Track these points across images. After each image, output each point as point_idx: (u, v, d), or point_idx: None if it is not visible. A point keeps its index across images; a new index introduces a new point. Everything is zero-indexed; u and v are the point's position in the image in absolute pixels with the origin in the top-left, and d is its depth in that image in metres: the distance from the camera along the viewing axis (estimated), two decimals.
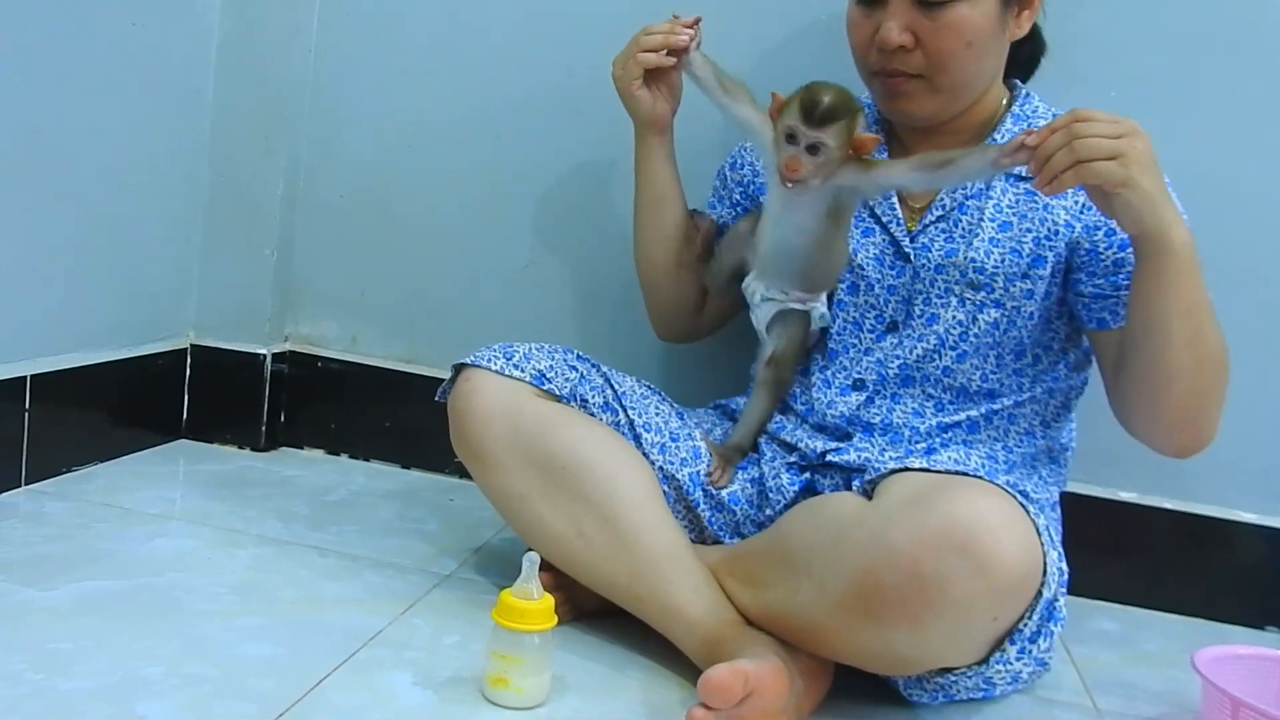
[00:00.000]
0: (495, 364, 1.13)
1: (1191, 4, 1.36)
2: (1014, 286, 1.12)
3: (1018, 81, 1.20)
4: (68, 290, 1.37)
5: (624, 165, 1.52)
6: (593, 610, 1.10)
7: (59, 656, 0.91)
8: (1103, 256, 1.10)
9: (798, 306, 1.16)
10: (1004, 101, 1.17)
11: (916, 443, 1.13)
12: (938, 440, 1.13)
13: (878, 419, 1.15)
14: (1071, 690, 1.16)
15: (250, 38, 1.56)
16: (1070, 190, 1.10)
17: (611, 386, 1.19)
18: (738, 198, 1.29)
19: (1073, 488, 1.43)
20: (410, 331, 1.62)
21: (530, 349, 1.16)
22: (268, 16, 1.56)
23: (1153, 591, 1.45)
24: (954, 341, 1.13)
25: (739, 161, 1.30)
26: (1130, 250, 1.06)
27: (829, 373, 1.17)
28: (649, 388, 1.24)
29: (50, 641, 0.94)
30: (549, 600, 0.93)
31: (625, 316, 1.49)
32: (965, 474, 0.92)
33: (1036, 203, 1.12)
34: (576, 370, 1.17)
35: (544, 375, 1.14)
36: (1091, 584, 1.40)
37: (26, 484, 1.31)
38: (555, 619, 0.94)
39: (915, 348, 1.14)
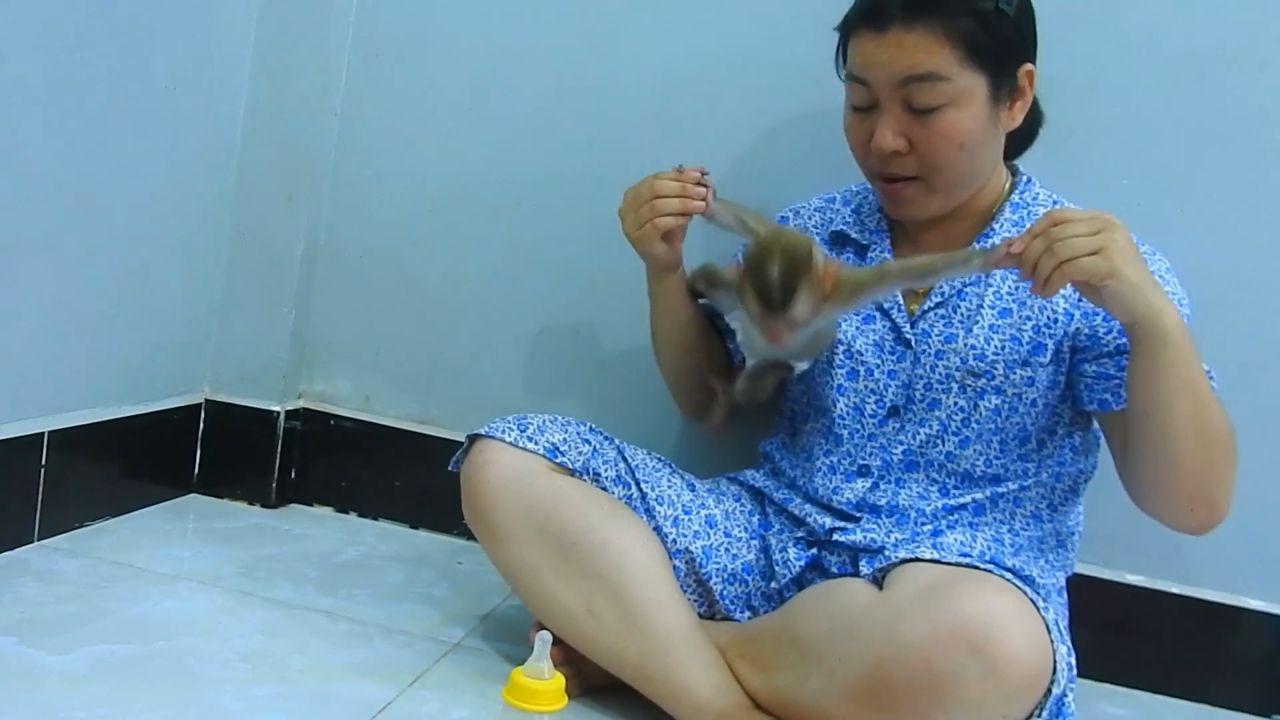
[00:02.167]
0: (509, 435, 1.14)
1: (1203, 97, 1.39)
2: (1014, 374, 1.13)
3: (1020, 168, 1.22)
4: (88, 345, 1.38)
5: None
6: (601, 685, 1.10)
7: None
8: (1103, 341, 1.11)
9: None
10: (1005, 187, 1.19)
11: (923, 524, 1.14)
12: (944, 522, 1.14)
13: (884, 501, 1.16)
14: None
15: (278, 100, 1.59)
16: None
17: (624, 460, 1.20)
18: None
19: (1080, 569, 1.44)
20: (423, 392, 1.63)
21: (544, 421, 1.17)
22: (296, 80, 1.59)
23: (1159, 676, 1.44)
24: (956, 428, 1.14)
25: None
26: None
27: (834, 459, 1.18)
28: (660, 460, 1.25)
29: (64, 710, 0.94)
30: (560, 680, 0.94)
31: (636, 384, 1.50)
32: (976, 566, 0.92)
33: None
34: (590, 444, 1.18)
35: (557, 448, 1.15)
36: (1098, 667, 1.41)
37: (39, 539, 1.32)
38: (566, 699, 0.95)
39: (918, 433, 1.15)
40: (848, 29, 1.13)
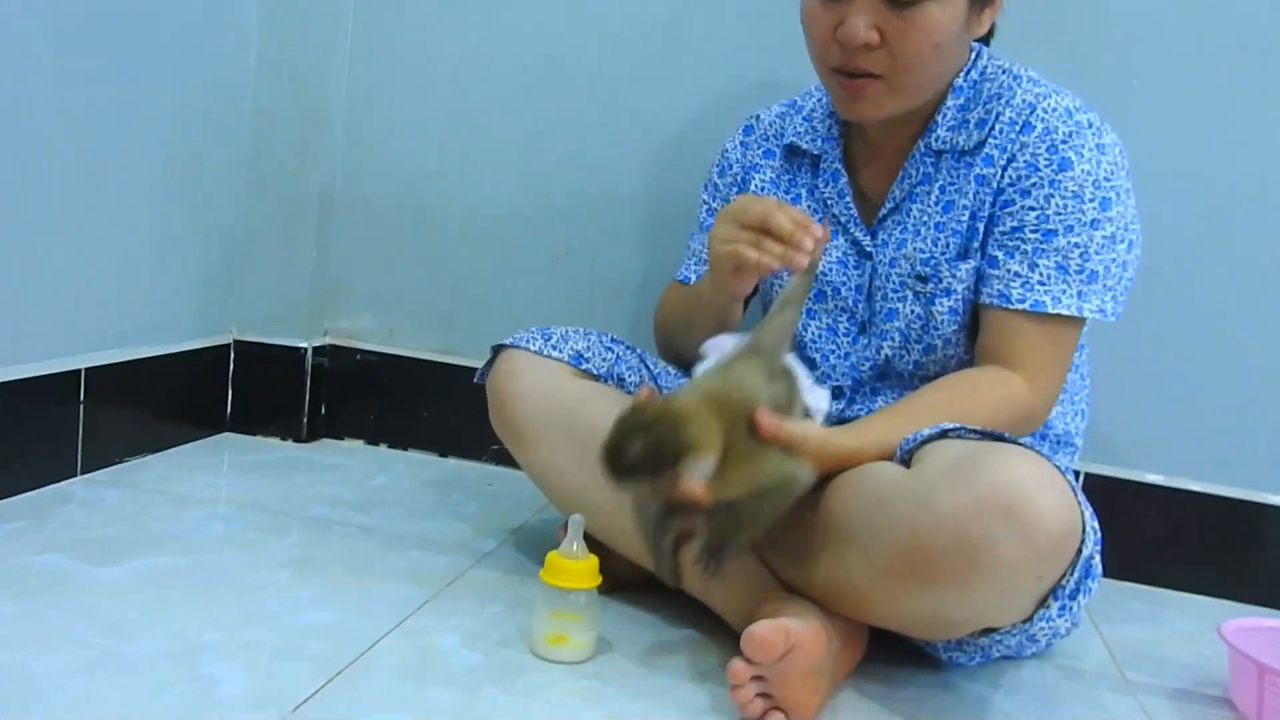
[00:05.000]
0: (534, 345, 1.16)
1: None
2: (959, 270, 1.09)
3: (978, 44, 1.13)
4: (116, 287, 1.41)
5: (653, 162, 1.57)
6: (631, 582, 1.13)
7: (126, 625, 0.95)
8: (1000, 219, 1.07)
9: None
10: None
11: None
12: None
13: (862, 413, 1.15)
14: (1100, 663, 1.18)
15: (287, 45, 1.61)
16: (996, 154, 1.08)
17: (647, 367, 1.22)
18: (733, 198, 1.25)
19: (1100, 470, 1.46)
20: (446, 324, 1.66)
21: (567, 331, 1.19)
22: (304, 25, 1.61)
23: (1181, 574, 1.46)
24: (917, 335, 1.12)
25: (726, 165, 1.29)
26: (1030, 217, 1.05)
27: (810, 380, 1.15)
28: (682, 371, 1.27)
29: (116, 612, 0.98)
30: (594, 560, 0.97)
31: (653, 308, 1.52)
32: (1003, 438, 0.94)
33: (970, 174, 1.10)
34: (613, 351, 1.20)
35: (581, 355, 1.17)
36: (1120, 566, 1.42)
37: (82, 473, 1.36)
38: (600, 578, 0.98)
39: (881, 347, 1.14)
40: None
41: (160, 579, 1.07)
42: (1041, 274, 1.05)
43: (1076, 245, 1.05)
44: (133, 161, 1.41)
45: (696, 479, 0.84)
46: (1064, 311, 1.04)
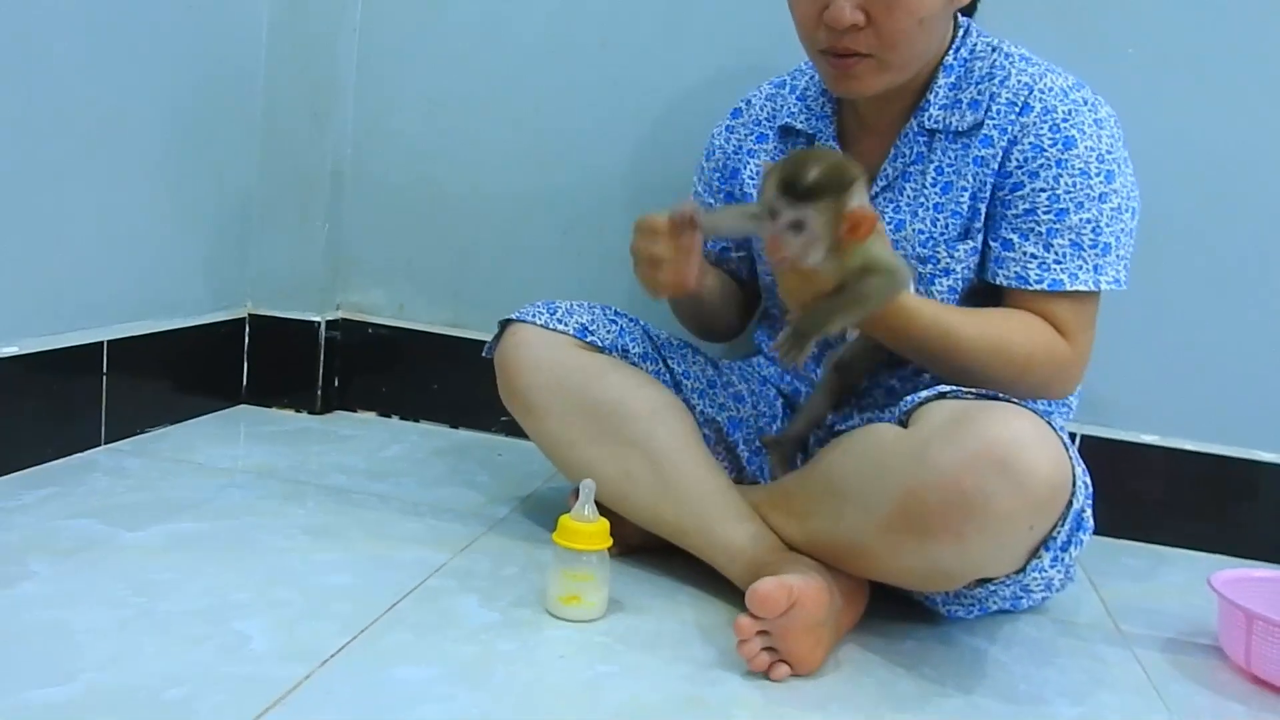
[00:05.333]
0: (540, 319, 1.20)
1: None
2: (958, 250, 1.12)
3: (958, 17, 1.15)
4: (137, 263, 1.45)
5: (656, 135, 1.59)
6: (638, 545, 1.17)
7: (157, 585, 1.00)
8: (1011, 201, 1.09)
9: None
10: (945, 45, 1.14)
11: (912, 392, 1.13)
12: (930, 389, 1.12)
13: (864, 387, 1.19)
14: (1095, 617, 1.21)
15: (297, 19, 1.63)
16: (995, 135, 1.10)
17: (650, 338, 1.25)
18: (717, 185, 1.30)
19: (1096, 431, 1.50)
20: (455, 298, 1.69)
21: (572, 305, 1.22)
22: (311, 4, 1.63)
23: (1176, 531, 1.50)
24: None
25: (710, 150, 1.31)
26: (1041, 198, 1.07)
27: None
28: (684, 342, 1.30)
29: (147, 572, 1.02)
30: (605, 523, 1.01)
31: None
32: (995, 398, 0.97)
33: (968, 155, 1.12)
34: (617, 324, 1.23)
35: (586, 328, 1.20)
36: (1116, 524, 1.46)
37: (105, 443, 1.40)
38: (611, 540, 1.02)
39: None
40: None
41: (187, 542, 1.11)
42: (1057, 253, 1.07)
43: (1088, 221, 1.07)
44: (147, 139, 1.44)
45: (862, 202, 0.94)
46: (1081, 288, 1.07)
